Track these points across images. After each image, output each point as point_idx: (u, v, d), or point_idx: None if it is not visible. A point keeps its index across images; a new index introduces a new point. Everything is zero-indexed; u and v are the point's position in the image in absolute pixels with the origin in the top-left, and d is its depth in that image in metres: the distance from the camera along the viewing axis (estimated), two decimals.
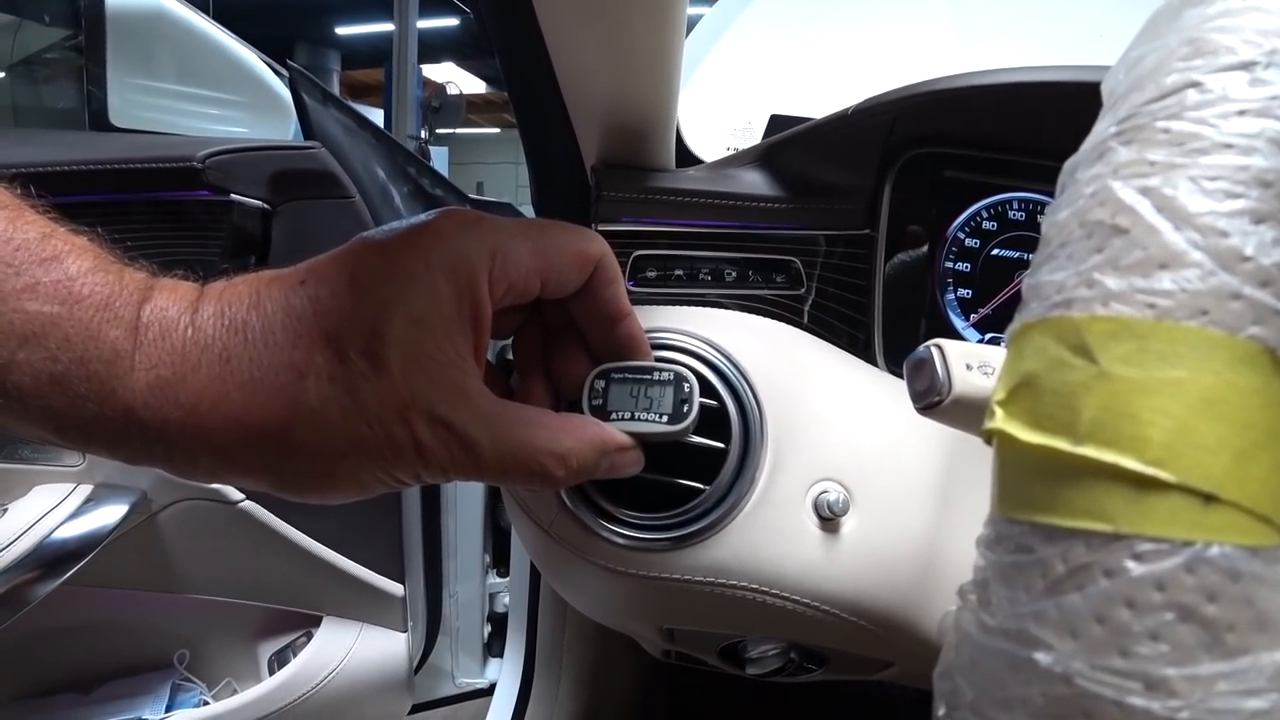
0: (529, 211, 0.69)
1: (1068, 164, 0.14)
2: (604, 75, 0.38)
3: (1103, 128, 0.14)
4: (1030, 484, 0.12)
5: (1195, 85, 0.12)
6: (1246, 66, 0.12)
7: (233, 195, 0.53)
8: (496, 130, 11.88)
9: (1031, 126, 0.45)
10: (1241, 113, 0.11)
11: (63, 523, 0.58)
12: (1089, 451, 0.11)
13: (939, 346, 0.22)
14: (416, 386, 0.23)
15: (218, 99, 0.71)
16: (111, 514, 0.60)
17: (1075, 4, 0.89)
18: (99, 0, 0.68)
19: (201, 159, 0.52)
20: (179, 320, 0.23)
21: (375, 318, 0.23)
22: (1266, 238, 0.11)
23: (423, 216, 0.25)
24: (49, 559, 0.57)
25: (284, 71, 0.82)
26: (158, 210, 0.54)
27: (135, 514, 0.61)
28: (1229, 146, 0.11)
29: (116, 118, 0.69)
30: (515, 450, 0.25)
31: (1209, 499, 0.11)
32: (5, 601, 0.55)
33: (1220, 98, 0.12)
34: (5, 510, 0.60)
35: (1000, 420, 0.12)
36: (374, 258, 0.24)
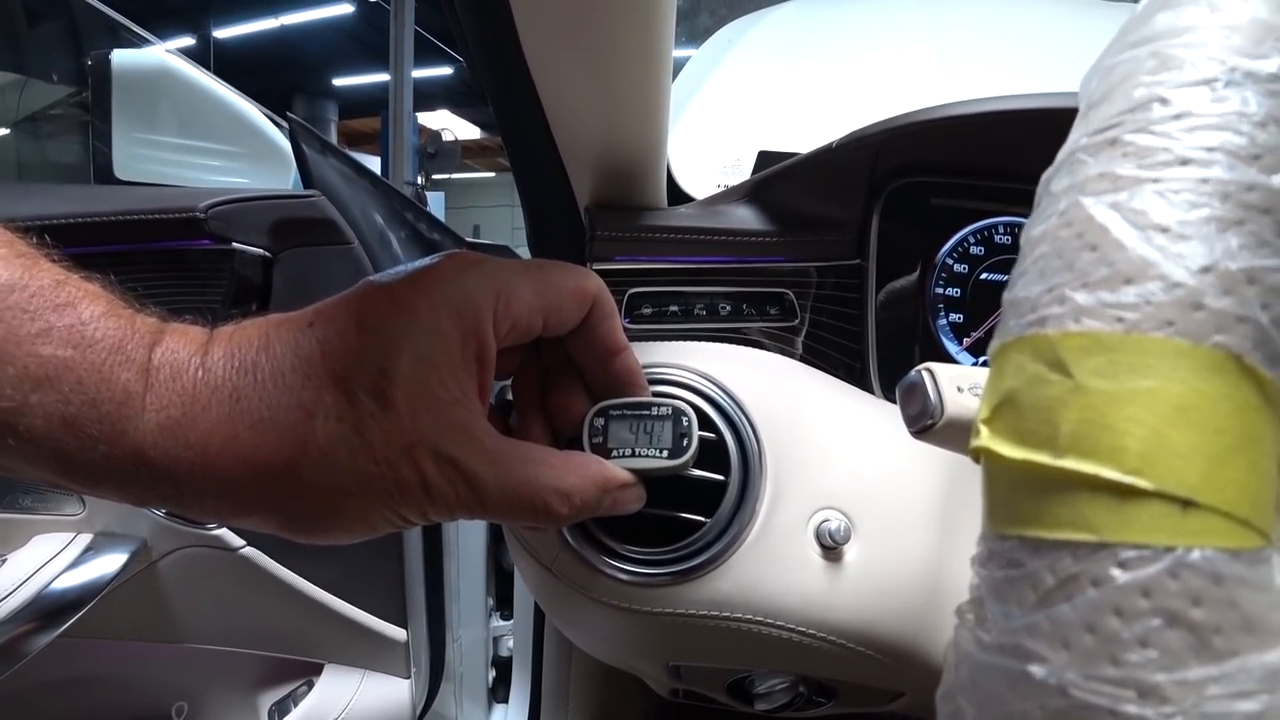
0: (525, 253, 0.70)
1: (1044, 176, 0.15)
2: (595, 121, 0.39)
3: (1075, 137, 0.14)
4: (1017, 499, 0.12)
5: (1161, 100, 0.12)
6: (1208, 83, 0.12)
7: (234, 244, 0.54)
8: (492, 174, 12.06)
9: (1011, 151, 0.46)
10: (1203, 127, 0.12)
11: (62, 572, 0.58)
12: (1070, 464, 0.11)
13: (929, 370, 0.23)
14: (423, 425, 0.23)
15: (219, 151, 0.73)
16: (111, 563, 0.59)
17: (1050, 27, 0.92)
18: (105, 59, 0.70)
19: (204, 209, 0.53)
20: (189, 362, 0.23)
21: (382, 357, 0.23)
22: (1227, 247, 0.11)
23: (427, 260, 0.26)
24: (48, 610, 0.56)
25: (283, 123, 0.84)
26: (162, 259, 0.55)
27: (135, 562, 0.60)
28: (1191, 160, 0.12)
29: (121, 171, 0.70)
30: (519, 488, 0.25)
31: (1187, 504, 0.11)
32: (3, 654, 0.54)
33: (1184, 112, 0.12)
34: (4, 560, 0.60)
35: (985, 438, 0.13)
36: (381, 299, 0.24)
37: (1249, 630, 0.10)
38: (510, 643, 0.90)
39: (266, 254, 0.56)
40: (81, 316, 0.22)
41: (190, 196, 0.56)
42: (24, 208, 0.58)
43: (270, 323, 0.25)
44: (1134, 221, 0.12)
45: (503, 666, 0.91)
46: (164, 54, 0.73)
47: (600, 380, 0.30)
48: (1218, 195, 0.11)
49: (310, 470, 0.23)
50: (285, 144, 0.77)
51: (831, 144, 0.45)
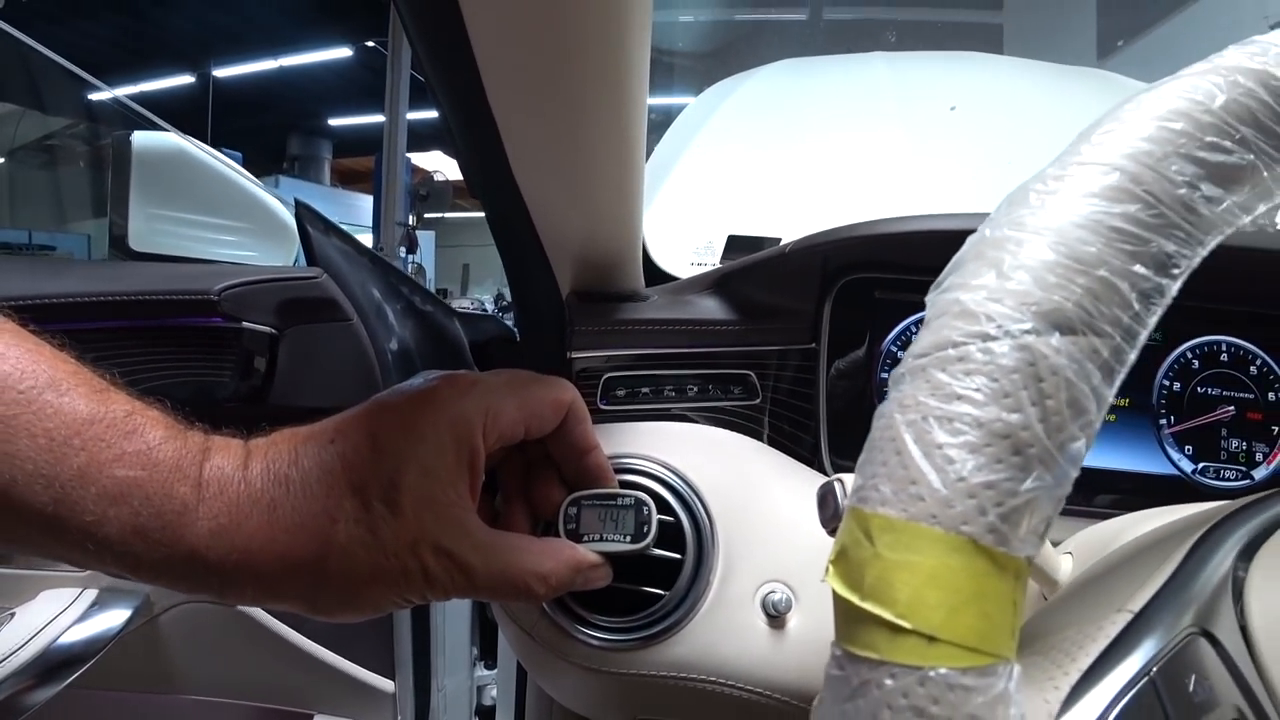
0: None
1: (894, 374, 0.20)
2: (575, 224, 0.44)
3: (913, 349, 0.20)
4: (844, 622, 0.18)
5: (954, 344, 0.18)
6: (983, 336, 0.18)
7: (244, 323, 0.59)
8: (481, 214, 12.17)
9: (942, 254, 0.52)
10: (974, 372, 0.17)
11: (69, 627, 0.61)
12: (868, 606, 0.17)
13: (840, 480, 0.28)
14: (425, 524, 0.28)
15: (229, 226, 0.78)
16: (116, 618, 0.62)
17: (1007, 93, 0.99)
18: (125, 140, 0.76)
19: (217, 292, 0.58)
20: (234, 476, 0.28)
21: (393, 471, 0.28)
22: (975, 464, 0.17)
23: (428, 382, 0.31)
24: (55, 663, 0.59)
25: (278, 192, 0.90)
26: (176, 335, 0.59)
27: (138, 616, 0.64)
28: (963, 397, 0.17)
29: (136, 243, 0.75)
30: (505, 572, 0.30)
31: (932, 639, 0.16)
32: (10, 707, 0.57)
33: (964, 357, 0.18)
34: (13, 615, 0.63)
35: (830, 575, 0.18)
36: (390, 419, 0.29)
37: None
38: (494, 691, 0.92)
39: (274, 331, 0.61)
40: (148, 441, 0.27)
41: (203, 278, 0.61)
42: (50, 286, 0.62)
43: (297, 437, 0.30)
44: (920, 440, 0.17)
45: (486, 715, 0.93)
46: (178, 136, 0.79)
47: (574, 473, 0.36)
48: (974, 425, 0.17)
49: (334, 565, 0.28)
50: (289, 219, 0.82)
51: (785, 247, 0.51)
